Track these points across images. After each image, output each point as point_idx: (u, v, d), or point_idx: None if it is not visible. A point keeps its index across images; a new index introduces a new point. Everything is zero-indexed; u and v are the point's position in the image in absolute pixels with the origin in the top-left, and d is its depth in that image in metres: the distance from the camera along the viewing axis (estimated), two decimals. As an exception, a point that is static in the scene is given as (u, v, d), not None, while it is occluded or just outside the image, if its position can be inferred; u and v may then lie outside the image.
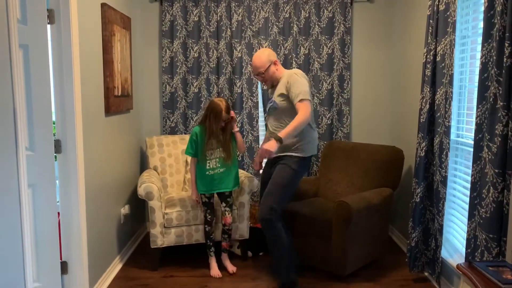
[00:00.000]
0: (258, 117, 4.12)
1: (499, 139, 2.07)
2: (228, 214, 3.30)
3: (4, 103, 1.69)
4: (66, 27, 2.48)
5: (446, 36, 2.70)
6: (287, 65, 4.04)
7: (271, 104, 2.99)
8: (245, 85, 4.08)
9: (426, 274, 3.15)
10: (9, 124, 1.72)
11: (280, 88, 2.91)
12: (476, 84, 2.41)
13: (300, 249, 3.20)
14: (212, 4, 4.01)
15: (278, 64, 3.00)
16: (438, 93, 2.79)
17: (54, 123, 2.48)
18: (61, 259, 2.60)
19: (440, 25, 2.75)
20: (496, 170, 2.09)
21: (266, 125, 3.43)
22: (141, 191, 3.20)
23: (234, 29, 4.01)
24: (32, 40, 2.19)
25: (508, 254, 2.08)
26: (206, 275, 3.24)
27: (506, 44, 2.00)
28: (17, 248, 1.77)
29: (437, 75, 2.81)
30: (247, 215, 3.46)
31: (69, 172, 2.59)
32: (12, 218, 1.74)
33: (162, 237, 3.28)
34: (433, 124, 2.87)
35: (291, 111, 2.83)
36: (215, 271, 3.24)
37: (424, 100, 2.90)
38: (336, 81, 4.11)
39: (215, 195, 3.32)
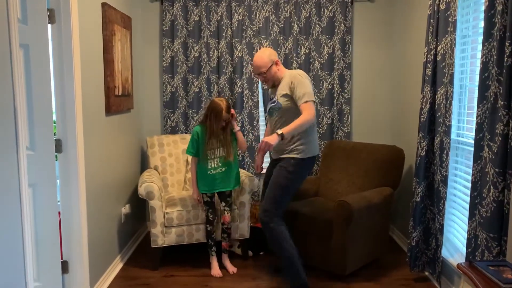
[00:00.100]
0: (258, 116, 4.13)
1: (500, 138, 2.07)
2: (227, 213, 3.30)
3: (4, 103, 1.69)
4: (66, 27, 2.49)
5: (447, 36, 2.70)
6: (287, 64, 4.04)
7: (273, 104, 2.98)
8: (246, 84, 4.08)
9: (426, 273, 3.15)
10: (10, 123, 1.72)
11: (284, 89, 2.90)
12: (477, 83, 2.41)
13: (301, 248, 3.19)
14: (213, 4, 4.01)
15: (280, 64, 2.99)
16: (438, 92, 2.79)
17: (54, 123, 2.48)
18: (61, 258, 2.61)
19: (441, 25, 2.75)
20: (497, 170, 2.09)
21: (266, 125, 3.43)
22: (141, 190, 3.20)
23: (234, 28, 4.01)
24: (32, 39, 2.19)
25: (509, 253, 2.08)
26: (207, 274, 3.24)
27: (507, 44, 2.00)
28: (17, 248, 1.77)
29: (437, 75, 2.81)
30: (247, 215, 3.46)
31: (69, 172, 2.59)
32: (12, 218, 1.74)
33: (162, 236, 3.28)
34: (434, 123, 2.87)
35: (295, 112, 2.83)
36: (216, 270, 3.24)
37: (424, 100, 2.90)
38: (337, 81, 4.11)
39: (216, 195, 3.33)
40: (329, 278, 3.14)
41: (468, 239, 2.32)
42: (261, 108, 4.15)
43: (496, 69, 2.08)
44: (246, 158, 4.14)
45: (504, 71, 2.03)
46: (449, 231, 3.00)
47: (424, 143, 2.91)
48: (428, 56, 2.87)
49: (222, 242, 3.36)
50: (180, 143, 3.92)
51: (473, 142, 2.35)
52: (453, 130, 2.88)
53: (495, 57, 2.09)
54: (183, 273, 3.27)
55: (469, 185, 2.62)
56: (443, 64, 2.73)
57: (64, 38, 2.49)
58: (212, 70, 4.07)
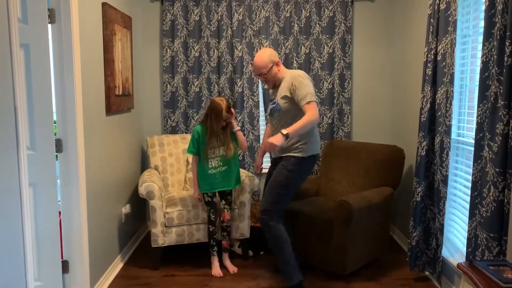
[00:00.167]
0: (259, 116, 4.13)
1: (500, 138, 2.07)
2: (227, 211, 3.31)
3: (5, 103, 1.69)
4: (67, 27, 2.49)
5: (447, 35, 2.70)
6: (288, 64, 4.04)
7: (274, 105, 2.97)
8: (246, 84, 4.08)
9: (427, 273, 3.15)
10: (10, 123, 1.72)
11: (284, 90, 2.89)
12: (477, 83, 2.41)
13: (301, 248, 3.20)
14: (213, 4, 4.01)
15: (280, 64, 2.98)
16: (439, 92, 2.79)
17: (55, 123, 2.49)
18: (62, 258, 2.61)
19: (441, 24, 2.75)
20: (497, 169, 2.09)
21: (266, 125, 3.42)
22: (142, 190, 3.21)
23: (234, 28, 4.01)
24: (33, 39, 2.19)
25: (509, 253, 2.08)
26: (207, 274, 3.24)
27: (507, 43, 2.00)
28: (18, 247, 1.77)
29: (437, 74, 2.81)
30: (248, 214, 3.46)
31: (70, 172, 2.59)
32: (13, 218, 1.74)
33: (163, 236, 3.28)
34: (434, 123, 2.87)
35: (294, 113, 2.83)
36: (216, 270, 3.24)
37: (425, 99, 2.90)
38: (337, 80, 4.11)
39: (217, 194, 3.33)
40: (329, 278, 3.14)
41: (468, 239, 2.32)
42: (261, 108, 4.15)
43: (496, 68, 2.08)
44: (246, 158, 4.14)
45: (504, 70, 2.03)
46: (449, 231, 3.00)
47: (424, 142, 2.91)
48: (429, 55, 2.87)
49: (222, 241, 3.37)
50: (180, 143, 3.92)
51: (473, 141, 2.35)
52: (454, 129, 2.88)
53: (495, 56, 2.09)
54: (184, 273, 3.27)
55: (469, 184, 2.62)
56: (443, 63, 2.73)
57: (64, 38, 2.49)
58: (213, 70, 4.07)
